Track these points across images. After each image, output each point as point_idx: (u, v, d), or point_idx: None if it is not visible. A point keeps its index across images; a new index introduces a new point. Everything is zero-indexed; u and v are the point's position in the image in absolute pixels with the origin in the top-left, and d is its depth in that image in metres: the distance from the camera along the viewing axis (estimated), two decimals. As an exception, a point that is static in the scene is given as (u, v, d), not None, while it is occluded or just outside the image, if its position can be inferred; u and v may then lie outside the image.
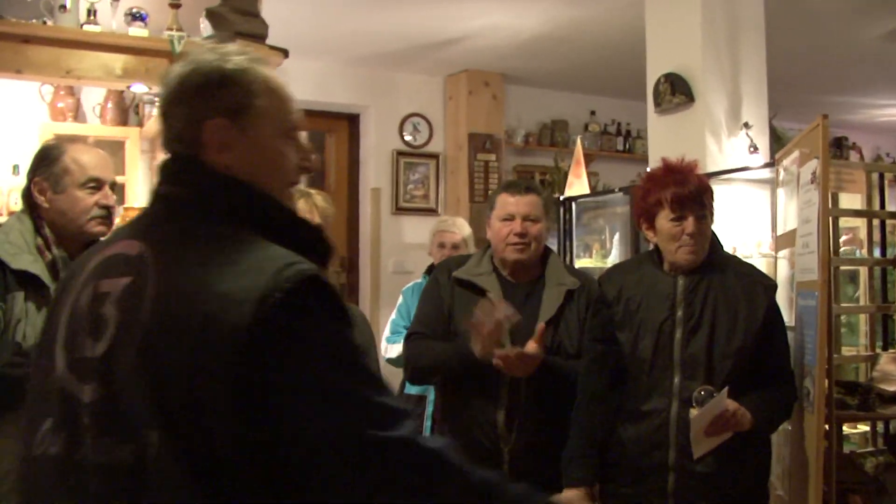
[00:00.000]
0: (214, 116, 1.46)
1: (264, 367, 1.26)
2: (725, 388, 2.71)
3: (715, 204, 2.94)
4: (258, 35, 4.06)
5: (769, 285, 2.99)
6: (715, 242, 2.99)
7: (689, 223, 2.85)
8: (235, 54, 1.51)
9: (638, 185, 3.10)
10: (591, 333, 3.02)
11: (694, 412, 2.72)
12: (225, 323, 1.27)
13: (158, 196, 1.51)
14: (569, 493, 2.87)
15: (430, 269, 4.88)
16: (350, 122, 8.11)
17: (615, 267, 3.25)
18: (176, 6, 3.92)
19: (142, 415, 1.29)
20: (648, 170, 3.20)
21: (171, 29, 3.87)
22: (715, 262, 2.94)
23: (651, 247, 3.09)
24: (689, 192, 2.85)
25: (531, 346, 2.99)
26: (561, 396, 3.03)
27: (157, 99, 5.09)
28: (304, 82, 7.35)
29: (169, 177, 1.50)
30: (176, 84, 1.49)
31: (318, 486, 1.27)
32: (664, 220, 2.89)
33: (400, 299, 4.85)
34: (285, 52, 4.11)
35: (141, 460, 1.28)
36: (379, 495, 1.28)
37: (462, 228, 4.96)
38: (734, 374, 2.80)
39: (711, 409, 2.69)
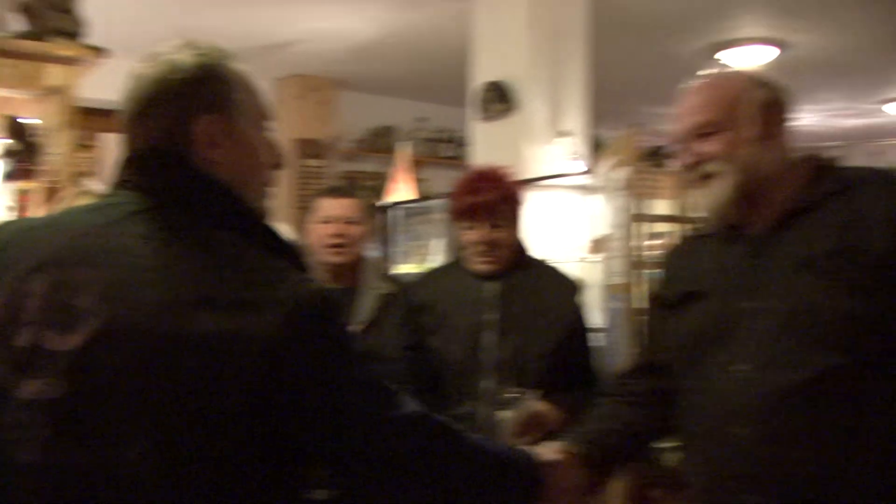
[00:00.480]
0: (203, 113, 1.45)
1: (295, 374, 1.32)
2: (534, 391, 2.73)
3: (521, 211, 2.94)
4: (72, 32, 3.89)
5: (576, 286, 3.06)
6: (522, 247, 3.03)
7: (478, 232, 2.88)
8: (206, 51, 1.51)
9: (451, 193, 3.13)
10: (402, 341, 3.01)
11: (504, 415, 2.75)
12: (252, 334, 1.29)
13: (133, 186, 1.43)
14: None
15: None
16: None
17: (427, 273, 3.26)
18: (-18, 0, 3.73)
19: (125, 416, 1.26)
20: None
21: (-23, 24, 3.68)
22: (523, 265, 2.98)
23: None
24: (479, 201, 2.86)
25: None
26: None
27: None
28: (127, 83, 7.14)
29: (149, 169, 1.43)
30: (154, 83, 1.45)
31: (363, 465, 1.43)
32: (460, 227, 2.94)
33: None
34: (102, 52, 3.96)
35: (115, 462, 1.26)
36: (413, 464, 1.48)
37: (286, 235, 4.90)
38: (546, 376, 2.83)
39: (520, 411, 2.72)
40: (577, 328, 2.96)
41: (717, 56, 1.74)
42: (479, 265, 2.91)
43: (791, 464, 1.74)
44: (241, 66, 1.54)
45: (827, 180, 1.87)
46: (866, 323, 1.73)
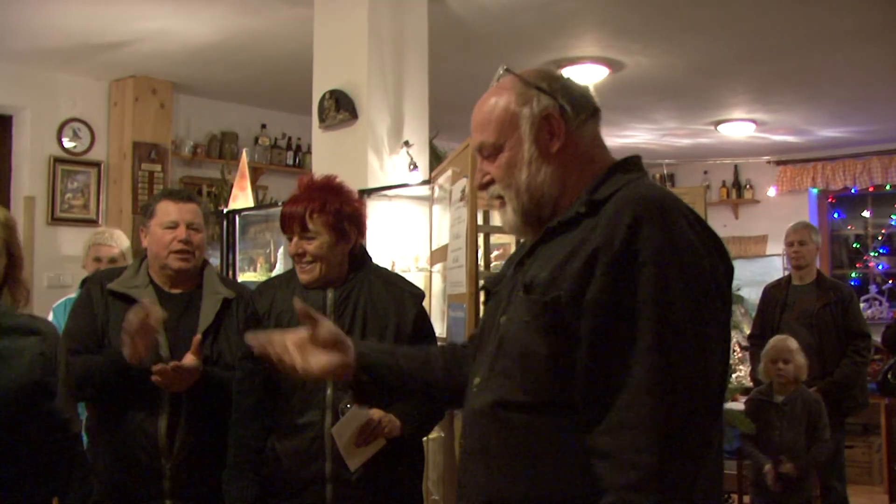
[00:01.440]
0: None
1: None
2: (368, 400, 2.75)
3: (348, 220, 2.93)
4: None
5: (416, 294, 3.08)
6: (361, 255, 3.05)
7: (293, 244, 2.91)
8: None
9: None
10: (242, 351, 2.98)
11: (336, 426, 2.75)
12: None
13: None
14: None
15: (85, 283, 4.65)
16: (1, 123, 7.58)
17: (266, 282, 3.23)
18: None
19: None
20: None
21: None
22: (363, 274, 3.00)
23: None
24: (291, 213, 2.90)
25: (188, 359, 2.95)
26: (223, 408, 2.99)
27: None
28: (-53, 77, 6.82)
29: None
30: None
31: None
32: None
33: (50, 316, 4.55)
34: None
35: None
36: None
37: (120, 241, 4.74)
38: None
39: (352, 421, 2.72)
40: (418, 335, 2.98)
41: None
42: (300, 275, 2.94)
43: (472, 482, 1.79)
44: None
45: (586, 200, 1.73)
46: (542, 361, 1.66)
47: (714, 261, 1.65)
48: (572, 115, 1.79)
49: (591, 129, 1.84)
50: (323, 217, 2.88)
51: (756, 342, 5.74)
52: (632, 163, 1.83)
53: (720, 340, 1.65)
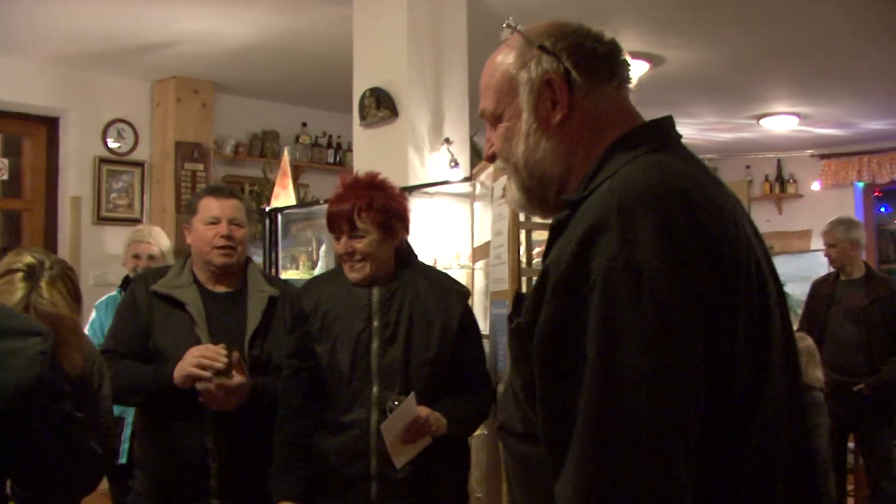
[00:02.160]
0: None
1: None
2: (411, 396, 2.76)
3: (395, 217, 2.95)
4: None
5: (462, 292, 3.09)
6: (406, 252, 3.06)
7: (341, 243, 2.91)
8: None
9: None
10: (287, 349, 3.00)
11: (385, 423, 2.76)
12: None
13: None
14: None
15: (126, 282, 4.69)
16: (49, 125, 7.68)
17: (312, 280, 3.22)
18: None
19: None
20: None
21: None
22: (408, 271, 3.00)
23: None
24: (338, 212, 2.89)
25: (236, 379, 2.95)
26: (270, 409, 3.00)
27: None
28: (-4, 80, 6.92)
29: None
30: None
31: None
32: (335, 238, 2.97)
33: (93, 314, 4.58)
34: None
35: None
36: None
37: (159, 239, 4.77)
38: (431, 382, 2.87)
39: (400, 418, 2.73)
40: (464, 333, 2.98)
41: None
42: (349, 274, 2.93)
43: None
44: None
45: (565, 200, 1.48)
46: (520, 390, 1.46)
47: (694, 276, 1.27)
48: (580, 79, 1.50)
49: (608, 96, 1.53)
50: (371, 215, 2.88)
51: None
52: (645, 132, 1.51)
53: (691, 377, 1.25)
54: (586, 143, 1.50)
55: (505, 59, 1.57)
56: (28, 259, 2.47)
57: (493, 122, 1.58)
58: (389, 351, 2.87)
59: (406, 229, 3.02)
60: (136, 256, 4.69)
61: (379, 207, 2.88)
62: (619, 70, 1.55)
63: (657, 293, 1.24)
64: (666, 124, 1.52)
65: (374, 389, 2.85)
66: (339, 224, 2.89)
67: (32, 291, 2.41)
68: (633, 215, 1.28)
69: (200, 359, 2.90)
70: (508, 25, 1.60)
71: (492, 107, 1.58)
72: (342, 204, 2.89)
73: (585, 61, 1.51)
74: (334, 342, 2.89)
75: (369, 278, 2.92)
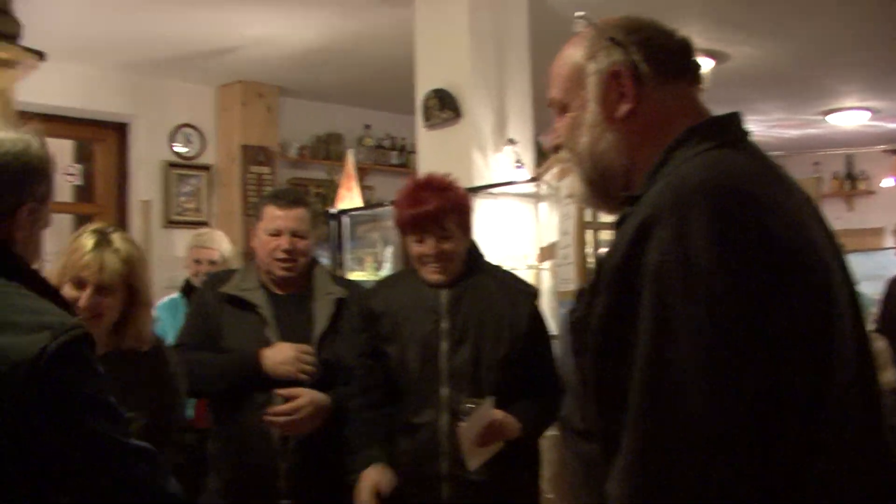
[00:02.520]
0: (29, 201, 1.66)
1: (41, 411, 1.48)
2: (490, 399, 2.74)
3: (469, 218, 2.97)
4: (9, 34, 3.84)
5: (531, 292, 3.07)
6: (475, 253, 3.04)
7: (428, 245, 2.88)
8: (31, 138, 1.68)
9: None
10: (358, 349, 3.00)
11: (462, 425, 2.74)
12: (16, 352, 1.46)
13: None
14: (365, 475, 2.81)
15: (187, 285, 4.75)
16: (118, 131, 7.81)
17: (380, 282, 3.23)
18: (-84, 1, 3.66)
19: None
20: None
21: (-90, 25, 3.61)
22: (476, 272, 2.99)
23: None
24: (424, 213, 2.86)
25: (305, 398, 2.98)
26: (338, 416, 3.02)
27: None
28: (67, 88, 7.06)
29: None
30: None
31: None
32: (409, 241, 2.94)
33: (154, 313, 4.64)
34: (40, 55, 3.91)
35: None
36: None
37: (220, 244, 4.81)
38: (501, 383, 2.85)
39: (478, 421, 2.70)
40: (534, 334, 2.96)
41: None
42: (431, 275, 2.91)
43: None
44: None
45: (625, 196, 1.46)
46: (578, 384, 1.46)
47: (747, 273, 1.24)
48: (648, 73, 1.48)
49: (677, 93, 1.51)
50: (456, 216, 2.89)
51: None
52: (711, 127, 1.47)
53: (743, 373, 1.22)
54: (652, 138, 1.47)
55: (575, 49, 1.56)
56: (96, 226, 2.59)
57: (561, 111, 1.58)
58: (459, 352, 2.85)
59: (472, 230, 3.03)
60: (198, 261, 4.74)
61: (462, 209, 2.92)
62: (689, 68, 1.54)
63: (710, 288, 1.23)
64: (733, 120, 1.50)
65: (444, 391, 2.84)
66: (425, 225, 2.87)
67: (104, 243, 2.48)
68: (688, 210, 1.27)
69: (297, 362, 3.00)
70: (581, 17, 1.58)
71: (559, 96, 1.57)
72: (426, 205, 2.86)
73: (655, 56, 1.50)
74: (404, 343, 2.89)
75: (449, 279, 2.91)
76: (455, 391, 2.82)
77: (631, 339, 1.27)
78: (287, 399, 2.97)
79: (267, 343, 3.07)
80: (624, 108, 1.49)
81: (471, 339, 2.86)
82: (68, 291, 2.44)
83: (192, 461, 4.23)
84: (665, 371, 1.24)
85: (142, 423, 2.58)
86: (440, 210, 2.86)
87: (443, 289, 2.92)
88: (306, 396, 2.97)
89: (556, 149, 1.64)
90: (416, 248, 2.91)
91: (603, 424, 1.35)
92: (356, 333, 3.03)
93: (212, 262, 4.70)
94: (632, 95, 1.48)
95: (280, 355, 3.01)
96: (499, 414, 2.76)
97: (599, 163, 1.51)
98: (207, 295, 3.23)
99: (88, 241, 2.47)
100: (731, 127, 1.48)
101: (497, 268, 3.19)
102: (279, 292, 3.22)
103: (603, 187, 1.53)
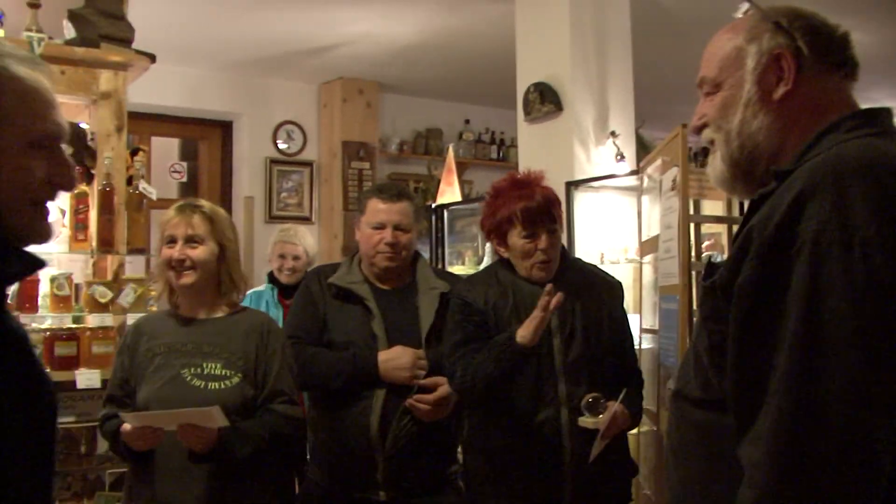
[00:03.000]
0: None
1: None
2: (623, 392, 2.77)
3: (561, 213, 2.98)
4: (123, 39, 3.96)
5: (617, 284, 3.10)
6: (563, 249, 3.04)
7: (542, 239, 2.87)
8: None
9: (486, 200, 3.07)
10: (465, 335, 2.93)
11: (588, 420, 2.73)
12: None
13: None
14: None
15: (271, 278, 4.82)
16: (223, 129, 8.00)
17: (469, 279, 3.20)
18: (35, 6, 3.77)
19: None
20: (493, 183, 3.16)
21: (30, 30, 3.73)
22: (568, 268, 3.00)
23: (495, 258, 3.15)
24: (538, 206, 2.86)
25: (445, 387, 3.01)
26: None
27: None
28: (175, 88, 7.24)
29: None
30: None
31: None
32: (517, 237, 2.90)
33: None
34: (152, 57, 4.02)
35: None
36: None
37: (304, 240, 4.87)
38: (609, 374, 2.87)
39: (610, 413, 2.72)
40: (624, 327, 3.01)
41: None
42: (538, 272, 2.91)
43: (667, 480, 1.71)
44: (28, 73, 1.37)
45: (774, 170, 1.47)
46: (705, 351, 1.51)
47: None
48: (810, 58, 1.52)
49: (834, 83, 1.54)
50: (558, 210, 2.93)
51: None
52: (866, 117, 1.49)
53: None
54: (804, 123, 1.51)
55: (735, 32, 1.59)
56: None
57: (710, 90, 1.60)
58: (572, 348, 2.85)
59: None
60: (282, 256, 4.80)
61: (559, 203, 2.95)
62: (847, 62, 1.56)
63: (869, 258, 1.25)
64: (884, 113, 1.52)
65: (562, 387, 2.82)
66: (539, 220, 2.87)
67: (188, 207, 2.86)
68: (847, 183, 1.30)
69: (414, 368, 3.02)
70: (749, 1, 1.62)
71: (713, 74, 1.60)
72: (534, 199, 2.87)
73: (818, 43, 1.53)
74: None
75: (553, 274, 2.91)
76: (572, 386, 2.81)
77: (780, 305, 1.30)
78: (428, 389, 3.01)
79: (373, 336, 3.09)
80: (781, 91, 1.52)
81: (580, 334, 2.86)
82: (165, 252, 2.79)
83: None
84: (819, 333, 1.26)
85: (237, 377, 2.71)
86: (549, 202, 2.88)
87: (544, 285, 2.86)
88: (445, 386, 2.99)
89: (698, 130, 1.65)
90: (526, 245, 2.89)
91: (739, 389, 1.37)
92: (459, 323, 2.99)
93: (296, 258, 4.76)
94: (791, 79, 1.51)
95: (397, 360, 3.03)
96: (619, 406, 2.76)
97: (748, 142, 1.54)
98: (314, 286, 3.24)
99: (174, 209, 2.86)
100: (884, 118, 1.51)
101: (580, 261, 3.22)
102: (383, 286, 3.23)
103: (747, 168, 1.56)
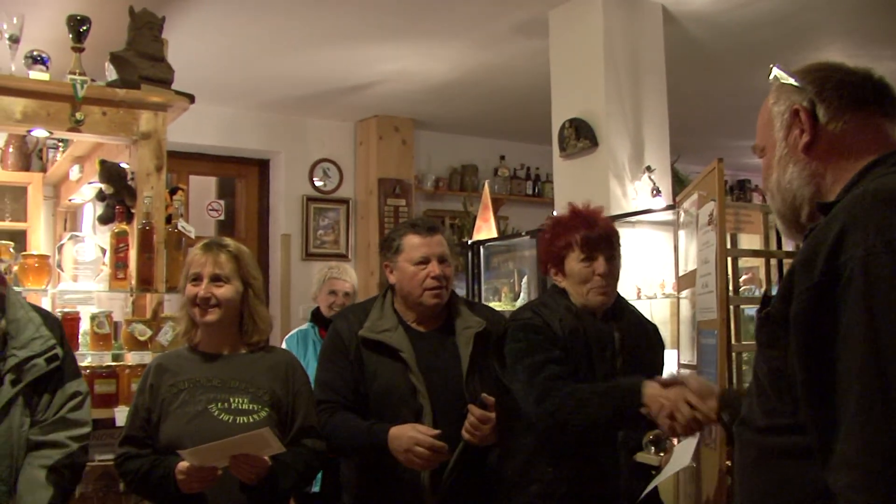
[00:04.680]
0: None
1: None
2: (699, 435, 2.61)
3: (622, 249, 2.96)
4: (163, 80, 4.02)
5: (655, 326, 3.11)
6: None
7: (600, 263, 2.83)
8: None
9: (544, 230, 3.05)
10: (548, 357, 2.78)
11: (650, 457, 2.71)
12: None
13: None
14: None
15: (316, 315, 4.82)
16: (260, 167, 8.09)
17: (538, 303, 3.02)
18: (79, 50, 3.84)
19: None
20: (554, 214, 3.17)
21: (74, 73, 3.79)
22: (620, 306, 2.97)
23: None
24: (598, 233, 2.85)
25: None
26: (486, 451, 2.96)
27: (60, 144, 4.98)
28: (213, 127, 7.34)
29: None
30: None
31: None
32: (574, 261, 2.86)
33: (283, 346, 4.63)
34: (191, 98, 4.08)
35: None
36: None
37: (352, 276, 4.91)
38: None
39: (669, 449, 2.72)
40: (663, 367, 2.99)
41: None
42: (596, 296, 2.85)
43: None
44: None
45: (819, 204, 1.60)
46: (766, 377, 1.56)
47: None
48: (822, 107, 1.65)
49: (857, 122, 1.64)
50: (617, 240, 2.93)
51: None
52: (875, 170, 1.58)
53: None
54: (834, 164, 1.63)
55: (769, 99, 1.75)
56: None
57: (761, 154, 1.77)
58: None
59: None
60: (333, 293, 4.82)
61: (618, 234, 2.96)
62: (869, 97, 1.67)
63: None
64: None
65: (620, 433, 2.81)
66: (598, 245, 2.85)
67: (214, 246, 2.89)
68: (888, 210, 1.38)
69: (409, 454, 2.83)
70: (775, 69, 1.76)
71: (759, 140, 1.77)
72: (595, 227, 2.87)
73: (829, 91, 1.66)
74: (586, 375, 2.78)
75: (609, 303, 2.89)
76: (630, 430, 2.78)
77: (837, 333, 1.37)
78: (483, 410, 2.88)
79: (412, 388, 2.96)
80: (804, 141, 1.65)
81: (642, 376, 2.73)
82: (190, 290, 2.82)
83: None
84: (886, 357, 1.32)
85: (265, 412, 2.72)
86: (609, 230, 2.89)
87: (606, 321, 2.86)
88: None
89: (763, 192, 1.82)
90: (584, 269, 2.84)
91: (814, 415, 1.41)
92: (537, 347, 2.82)
93: (347, 295, 4.80)
94: (809, 128, 1.65)
95: (397, 441, 2.85)
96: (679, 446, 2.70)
97: (787, 193, 1.68)
98: (344, 333, 3.08)
99: (200, 247, 2.89)
100: None
101: (623, 299, 3.11)
102: (420, 329, 3.11)
103: (793, 217, 1.69)
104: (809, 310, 1.41)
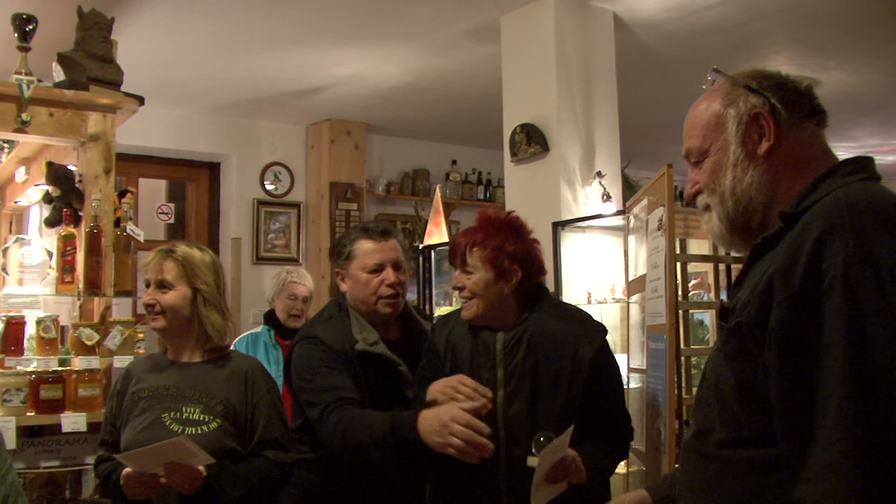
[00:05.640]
0: None
1: None
2: (569, 430, 2.49)
3: (512, 255, 2.69)
4: (112, 81, 3.97)
5: (596, 327, 2.78)
6: (535, 294, 2.78)
7: (455, 277, 2.73)
8: None
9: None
10: (423, 374, 2.80)
11: (533, 460, 2.48)
12: None
13: None
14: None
15: (270, 317, 4.80)
16: (211, 170, 8.02)
17: (447, 315, 2.95)
18: (25, 49, 3.79)
19: None
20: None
21: (20, 73, 3.73)
22: (534, 315, 2.73)
23: None
24: (455, 244, 2.73)
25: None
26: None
27: (5, 145, 4.91)
28: (163, 130, 7.27)
29: None
30: None
31: None
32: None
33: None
34: (141, 99, 4.03)
35: None
36: None
37: (310, 281, 4.92)
38: (560, 429, 2.54)
39: (552, 454, 2.48)
40: (597, 374, 2.68)
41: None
42: (462, 312, 2.75)
43: None
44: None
45: (781, 212, 1.58)
46: (731, 391, 1.55)
47: None
48: (785, 113, 1.65)
49: (809, 131, 1.67)
50: (482, 252, 2.67)
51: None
52: (856, 164, 1.61)
53: None
54: (792, 171, 1.63)
55: (711, 101, 1.72)
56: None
57: (699, 158, 1.73)
58: (515, 402, 2.64)
59: (532, 272, 2.74)
60: (293, 297, 4.81)
61: (492, 246, 2.66)
62: (817, 109, 1.69)
63: None
64: (871, 161, 1.64)
65: (501, 443, 2.61)
66: (454, 257, 2.74)
67: (167, 251, 2.85)
68: (863, 221, 1.41)
69: (464, 428, 2.45)
70: (716, 70, 1.77)
71: (698, 143, 1.72)
72: (461, 237, 2.73)
73: (789, 98, 1.66)
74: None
75: (479, 318, 2.70)
76: (511, 444, 2.62)
77: (820, 342, 1.38)
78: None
79: (407, 401, 2.82)
80: (765, 146, 1.64)
81: (526, 388, 2.65)
82: (145, 297, 2.82)
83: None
84: (867, 366, 1.34)
85: (216, 423, 2.69)
86: (467, 245, 2.70)
87: (500, 332, 2.71)
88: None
89: (694, 196, 1.76)
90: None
91: (788, 426, 1.42)
92: (423, 368, 2.83)
93: (305, 300, 4.80)
94: (772, 133, 1.64)
95: (431, 422, 2.52)
96: (572, 452, 2.53)
97: (743, 197, 1.66)
98: (339, 349, 2.88)
99: (152, 252, 2.87)
100: (871, 165, 1.63)
101: (561, 305, 2.95)
102: (392, 338, 2.99)
103: (744, 223, 1.67)
104: (791, 318, 1.42)
